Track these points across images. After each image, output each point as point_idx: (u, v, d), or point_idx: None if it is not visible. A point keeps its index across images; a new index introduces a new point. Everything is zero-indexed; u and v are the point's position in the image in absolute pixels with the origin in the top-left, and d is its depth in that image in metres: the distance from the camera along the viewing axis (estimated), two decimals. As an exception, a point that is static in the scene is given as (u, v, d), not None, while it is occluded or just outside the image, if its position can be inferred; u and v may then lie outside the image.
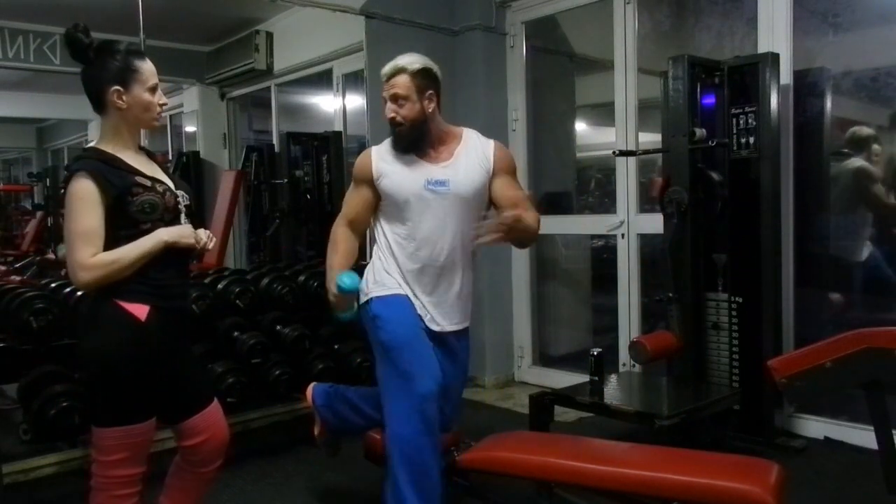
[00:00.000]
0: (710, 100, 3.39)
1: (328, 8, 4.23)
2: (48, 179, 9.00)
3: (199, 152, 6.69)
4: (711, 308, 3.40)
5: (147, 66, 1.91)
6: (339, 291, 2.24)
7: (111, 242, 1.81)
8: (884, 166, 3.59)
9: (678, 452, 1.97)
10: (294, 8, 4.61)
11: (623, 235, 4.14)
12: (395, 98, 2.32)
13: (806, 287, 3.56)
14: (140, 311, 1.83)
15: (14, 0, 4.97)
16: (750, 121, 3.28)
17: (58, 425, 2.73)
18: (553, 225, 4.78)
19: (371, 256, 2.52)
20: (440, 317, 2.39)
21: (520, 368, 4.76)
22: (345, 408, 2.59)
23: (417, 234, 2.34)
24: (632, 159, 4.04)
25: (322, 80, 5.64)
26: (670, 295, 3.32)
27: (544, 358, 4.81)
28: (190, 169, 6.45)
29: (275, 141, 6.10)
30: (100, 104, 1.88)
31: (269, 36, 5.78)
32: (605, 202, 4.79)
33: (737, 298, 3.33)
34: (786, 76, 3.42)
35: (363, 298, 2.38)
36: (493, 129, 4.62)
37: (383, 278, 2.38)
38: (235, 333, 3.32)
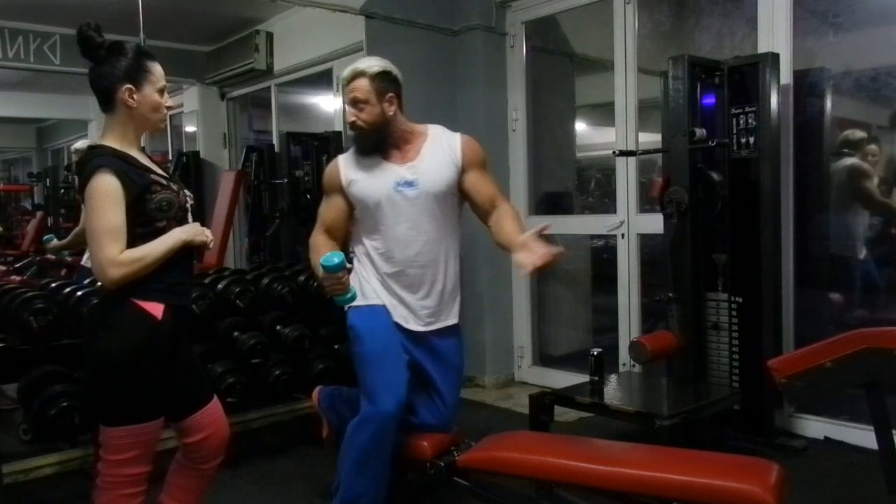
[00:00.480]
0: (710, 100, 3.38)
1: (328, 8, 4.23)
2: (48, 179, 9.01)
3: (199, 152, 6.70)
4: (711, 308, 3.40)
5: (158, 68, 1.93)
6: (325, 272, 2.18)
7: (129, 240, 1.83)
8: (883, 166, 3.59)
9: (678, 452, 1.97)
10: (294, 8, 4.61)
11: (623, 235, 4.14)
12: (355, 102, 2.33)
13: (806, 287, 3.56)
14: (156, 309, 1.85)
15: (14, 0, 4.97)
16: (750, 121, 3.28)
17: (58, 425, 2.73)
18: (553, 225, 4.78)
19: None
20: (422, 317, 2.39)
21: (520, 368, 4.76)
22: (346, 409, 2.59)
23: (392, 236, 2.34)
24: (632, 159, 4.04)
25: (322, 80, 5.64)
26: (670, 295, 3.32)
27: (544, 358, 4.81)
28: (190, 169, 6.45)
29: (275, 141, 6.10)
30: (108, 102, 1.89)
31: (269, 36, 5.78)
32: (605, 202, 4.79)
33: (737, 298, 3.33)
34: (786, 76, 3.42)
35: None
36: (493, 129, 4.63)
37: (362, 287, 2.38)
38: (235, 333, 3.32)
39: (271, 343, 3.38)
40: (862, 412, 2.67)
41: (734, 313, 3.33)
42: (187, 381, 2.01)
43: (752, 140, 3.28)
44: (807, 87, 3.56)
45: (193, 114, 6.76)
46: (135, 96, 1.88)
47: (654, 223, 3.73)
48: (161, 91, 1.93)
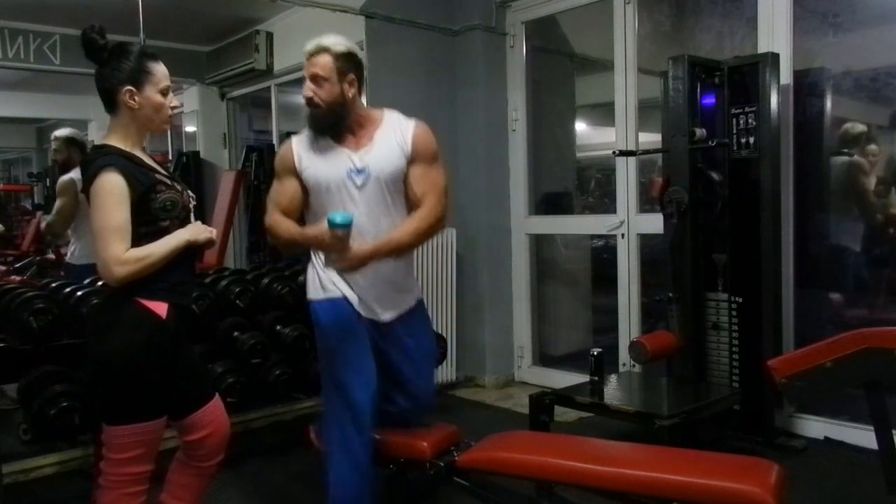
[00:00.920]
0: (710, 100, 3.39)
1: (328, 8, 4.23)
2: (48, 179, 8.99)
3: (199, 152, 6.69)
4: (711, 308, 3.40)
5: (160, 69, 1.94)
6: (334, 227, 2.06)
7: (133, 239, 1.83)
8: (883, 165, 3.58)
9: (678, 452, 1.97)
10: (294, 8, 4.61)
11: (623, 235, 4.14)
12: (315, 78, 2.27)
13: (806, 287, 3.56)
14: (160, 308, 1.86)
15: (14, 0, 4.97)
16: (750, 121, 3.28)
17: (58, 425, 2.73)
18: (553, 225, 4.79)
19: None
20: (380, 307, 2.37)
21: (520, 368, 4.76)
22: None
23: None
24: (632, 159, 4.04)
25: (322, 80, 5.63)
26: (670, 295, 3.32)
27: (544, 358, 4.81)
28: (190, 169, 6.45)
29: (275, 141, 6.09)
30: (111, 103, 1.91)
31: (269, 36, 5.78)
32: (605, 202, 4.79)
33: (737, 298, 3.33)
34: (786, 76, 3.42)
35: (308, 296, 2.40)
36: (493, 129, 4.64)
37: (321, 279, 2.37)
38: (235, 333, 3.32)
39: (271, 343, 3.38)
40: (862, 412, 2.67)
41: (734, 313, 3.33)
42: (189, 379, 2.02)
43: (752, 140, 3.28)
44: (807, 87, 3.56)
45: (193, 114, 6.75)
46: (136, 98, 1.89)
47: (654, 223, 3.73)
48: (164, 92, 1.94)
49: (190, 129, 7.00)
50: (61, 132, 4.03)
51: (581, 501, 2.18)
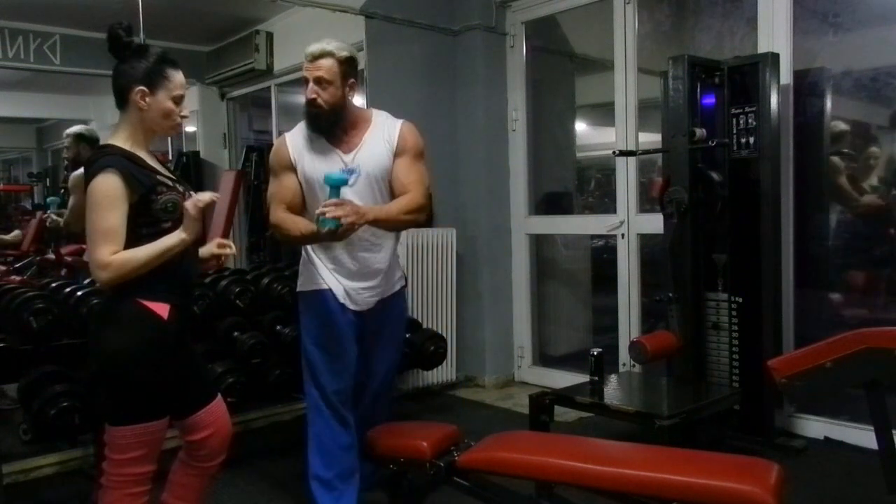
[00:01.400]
0: (710, 100, 3.39)
1: (328, 8, 4.23)
2: (48, 179, 9.00)
3: (199, 152, 6.69)
4: (711, 308, 3.40)
5: (178, 77, 1.94)
6: (330, 183, 2.14)
7: (133, 240, 1.83)
8: (884, 166, 3.58)
9: (678, 452, 1.97)
10: (294, 8, 4.61)
11: (623, 235, 4.14)
12: (319, 80, 2.35)
13: (806, 287, 3.56)
14: (162, 309, 1.86)
15: (14, 0, 4.97)
16: (750, 121, 3.28)
17: (58, 425, 2.73)
18: (553, 225, 4.79)
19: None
20: (361, 297, 2.48)
21: (520, 368, 4.76)
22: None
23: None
24: (632, 159, 4.04)
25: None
26: (670, 295, 3.32)
27: (544, 358, 4.82)
28: (190, 169, 6.45)
29: (275, 141, 6.09)
30: (122, 101, 1.92)
31: (269, 36, 5.78)
32: (605, 202, 4.79)
33: (737, 298, 3.33)
34: (786, 76, 3.42)
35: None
36: (493, 129, 4.64)
37: (308, 270, 2.50)
38: (235, 333, 3.32)
39: (271, 343, 3.38)
40: (862, 412, 2.67)
41: (734, 313, 3.33)
42: (191, 379, 2.02)
43: (752, 140, 3.28)
44: (807, 87, 3.56)
45: (193, 114, 6.75)
46: (147, 99, 1.89)
47: (654, 223, 3.73)
48: (176, 100, 1.94)
49: (190, 129, 6.99)
50: (71, 129, 4.06)
51: (581, 501, 2.18)
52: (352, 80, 2.41)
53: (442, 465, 2.14)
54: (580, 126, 5.35)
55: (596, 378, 3.18)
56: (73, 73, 5.81)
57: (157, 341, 1.86)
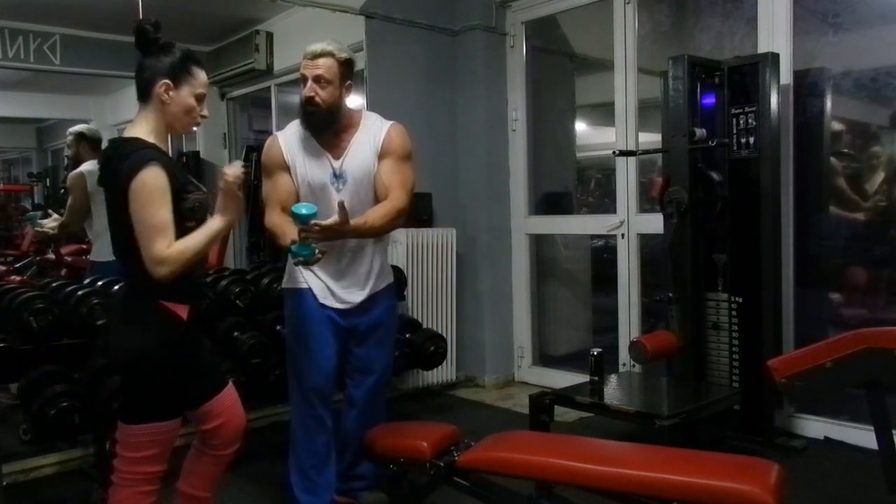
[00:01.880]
0: (710, 100, 3.39)
1: (328, 8, 4.23)
2: (48, 179, 8.99)
3: (199, 152, 6.69)
4: (711, 308, 3.40)
5: (202, 75, 1.95)
6: (299, 221, 2.09)
7: None
8: (885, 166, 3.58)
9: (678, 452, 1.97)
10: (294, 8, 4.61)
11: (623, 235, 4.14)
12: (319, 79, 2.35)
13: (806, 287, 3.56)
14: (182, 311, 1.89)
15: (14, 0, 4.97)
16: (750, 121, 3.28)
17: (58, 425, 2.73)
18: (553, 225, 4.79)
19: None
20: (346, 296, 2.49)
21: (520, 368, 4.76)
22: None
23: (322, 221, 2.33)
24: (632, 159, 4.04)
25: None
26: (670, 295, 3.32)
27: (544, 358, 4.81)
28: (190, 169, 6.44)
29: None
30: (145, 94, 1.91)
31: (269, 36, 5.78)
32: (605, 202, 4.80)
33: (737, 298, 3.33)
34: (786, 76, 3.42)
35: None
36: (493, 129, 4.64)
37: (292, 268, 2.51)
38: (235, 333, 3.32)
39: (271, 343, 3.38)
40: (862, 412, 2.67)
41: (734, 313, 3.33)
42: (202, 371, 2.04)
43: (752, 140, 3.28)
44: (807, 87, 3.56)
45: (193, 114, 6.75)
46: (171, 93, 1.89)
47: (654, 223, 3.73)
48: (199, 98, 1.94)
49: (190, 128, 6.99)
50: (73, 128, 4.07)
51: (581, 501, 2.18)
52: (349, 82, 2.43)
53: (442, 465, 2.14)
54: (580, 126, 5.35)
55: (596, 378, 3.18)
56: (73, 73, 5.80)
57: (178, 342, 1.89)
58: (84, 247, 4.41)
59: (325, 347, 2.50)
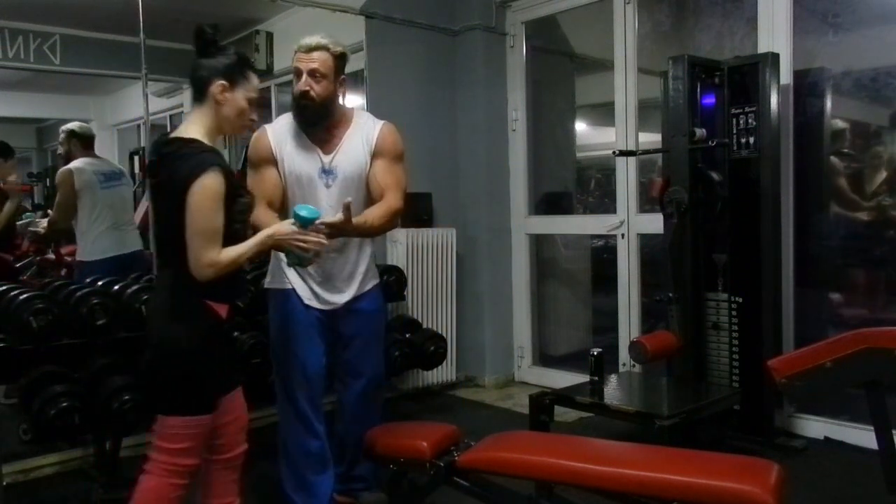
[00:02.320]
0: (710, 100, 3.38)
1: (328, 8, 4.23)
2: (48, 179, 8.98)
3: (199, 152, 6.69)
4: (711, 308, 3.40)
5: (255, 79, 2.01)
6: (300, 221, 2.01)
7: None
8: (885, 166, 3.58)
9: (678, 452, 1.97)
10: (294, 8, 4.61)
11: (623, 235, 4.14)
12: (314, 73, 2.34)
13: (806, 287, 3.56)
14: (223, 310, 1.97)
15: (14, 0, 4.97)
16: (750, 121, 3.28)
17: (58, 425, 2.73)
18: (553, 225, 4.79)
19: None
20: (330, 297, 2.47)
21: (520, 368, 4.76)
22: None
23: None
24: (632, 159, 4.04)
25: (322, 80, 5.63)
26: (670, 295, 3.32)
27: (544, 358, 4.81)
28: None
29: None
30: (200, 94, 1.96)
31: (269, 36, 5.77)
32: (605, 202, 4.80)
33: (737, 298, 3.33)
34: (786, 76, 3.42)
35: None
36: (493, 129, 4.64)
37: (276, 268, 2.49)
38: (235, 333, 3.32)
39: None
40: (862, 412, 2.67)
41: (734, 313, 3.33)
42: (230, 365, 2.12)
43: (752, 140, 3.28)
44: (807, 87, 3.56)
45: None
46: (226, 94, 1.94)
47: (654, 223, 3.73)
48: (250, 101, 1.99)
49: (190, 128, 6.99)
50: (65, 126, 4.08)
51: (581, 501, 2.18)
52: (342, 76, 2.41)
53: (442, 465, 2.14)
54: (580, 126, 5.35)
55: (596, 378, 3.18)
56: (73, 73, 5.80)
57: (217, 340, 1.96)
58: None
59: (312, 349, 2.47)
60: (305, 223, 2.02)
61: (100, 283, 3.18)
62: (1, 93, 8.32)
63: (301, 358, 2.46)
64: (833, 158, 3.63)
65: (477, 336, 4.62)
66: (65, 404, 2.73)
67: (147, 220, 4.31)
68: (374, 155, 2.46)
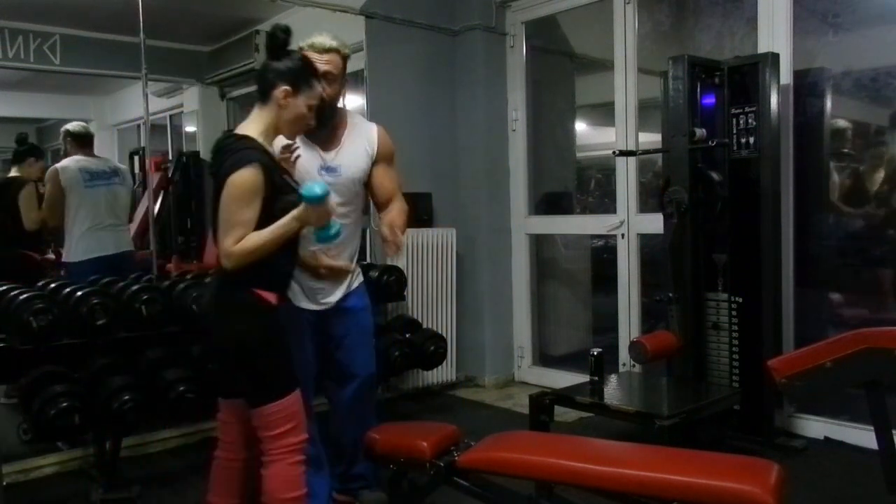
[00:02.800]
0: (710, 100, 3.38)
1: (328, 8, 4.23)
2: (48, 179, 8.98)
3: (199, 152, 6.68)
4: (711, 308, 3.40)
5: (318, 87, 2.10)
6: (315, 202, 1.93)
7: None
8: (886, 166, 3.59)
9: (678, 452, 1.97)
10: (294, 8, 4.61)
11: (623, 235, 4.14)
12: (326, 75, 2.36)
13: (806, 287, 3.56)
14: (272, 297, 2.02)
15: (14, 0, 4.97)
16: (750, 121, 3.28)
17: (58, 425, 2.73)
18: (553, 225, 4.79)
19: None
20: (324, 296, 2.49)
21: (520, 368, 4.76)
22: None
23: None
24: (632, 159, 4.04)
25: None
26: (670, 295, 3.32)
27: (544, 358, 4.81)
28: (190, 169, 6.44)
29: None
30: (265, 95, 2.03)
31: (270, 36, 5.78)
32: (605, 202, 4.80)
33: (737, 298, 3.33)
34: (786, 76, 3.42)
35: None
36: (493, 129, 4.64)
37: None
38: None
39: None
40: (862, 412, 2.67)
41: (734, 313, 3.33)
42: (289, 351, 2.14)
43: (752, 140, 3.28)
44: (807, 87, 3.56)
45: (193, 114, 6.74)
46: (289, 98, 2.01)
47: (654, 223, 3.73)
48: (310, 108, 2.06)
49: (190, 129, 6.99)
50: (72, 126, 4.12)
51: (581, 501, 2.18)
52: (345, 77, 2.47)
53: (442, 465, 2.14)
54: (580, 126, 5.35)
55: (596, 378, 3.18)
56: (73, 73, 5.80)
57: (272, 324, 2.02)
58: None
59: (304, 352, 2.46)
60: (319, 200, 1.95)
61: (100, 283, 3.18)
62: (1, 93, 8.32)
63: (296, 360, 2.46)
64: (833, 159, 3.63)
65: (477, 336, 4.62)
66: (65, 404, 2.74)
67: (146, 221, 4.32)
68: (377, 159, 2.51)
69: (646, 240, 4.08)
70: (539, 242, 4.83)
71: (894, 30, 3.42)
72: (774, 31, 3.48)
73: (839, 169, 3.65)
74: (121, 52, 5.08)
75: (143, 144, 5.85)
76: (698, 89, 3.35)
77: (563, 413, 3.21)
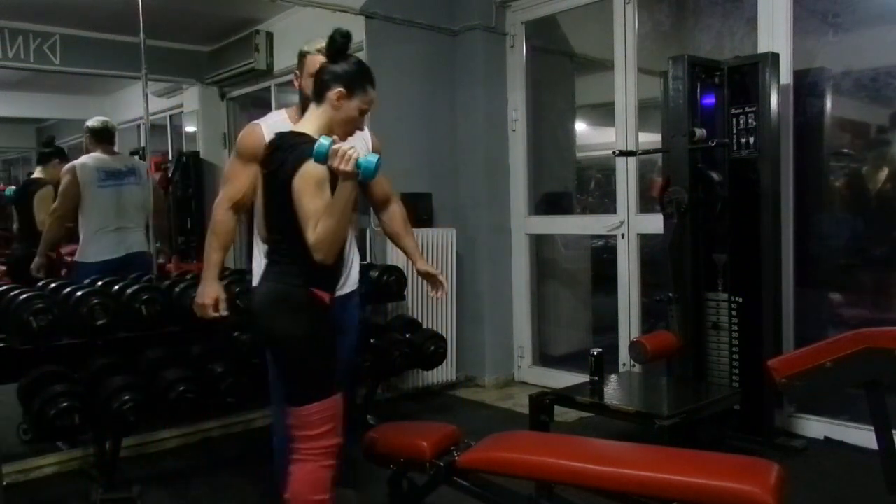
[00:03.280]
0: (710, 100, 3.38)
1: (328, 8, 4.23)
2: (48, 179, 8.98)
3: (199, 152, 6.69)
4: (711, 308, 3.40)
5: (372, 93, 2.11)
6: (322, 154, 1.94)
7: None
8: (886, 165, 3.58)
9: (678, 452, 1.97)
10: (294, 8, 4.62)
11: (623, 235, 4.14)
12: None
13: (806, 287, 3.56)
14: (326, 297, 2.06)
15: (14, 0, 4.97)
16: (750, 121, 3.28)
17: (58, 425, 2.73)
18: (553, 225, 4.79)
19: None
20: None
21: (520, 368, 4.77)
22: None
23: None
24: (632, 159, 4.04)
25: (322, 80, 5.63)
26: (670, 295, 3.32)
27: (544, 358, 4.81)
28: (190, 169, 6.45)
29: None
30: (320, 96, 2.07)
31: (269, 36, 5.78)
32: (605, 202, 4.80)
33: (737, 298, 3.33)
34: (786, 76, 3.42)
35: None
36: (493, 129, 4.64)
37: (259, 269, 2.42)
38: (235, 333, 3.32)
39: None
40: (862, 412, 2.67)
41: (734, 313, 3.33)
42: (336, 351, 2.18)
43: (752, 140, 3.28)
44: (807, 87, 3.56)
45: (193, 114, 6.75)
46: (342, 101, 2.04)
47: (654, 223, 3.73)
48: (362, 112, 2.10)
49: (190, 129, 6.99)
50: (93, 122, 4.13)
51: (581, 501, 2.18)
52: None
53: (442, 465, 2.14)
54: (580, 126, 5.35)
55: (596, 378, 3.18)
56: (73, 73, 5.80)
57: (327, 325, 2.06)
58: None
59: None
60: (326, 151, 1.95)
61: (100, 283, 3.18)
62: (1, 93, 8.32)
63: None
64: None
65: (477, 336, 4.62)
66: (65, 404, 2.74)
67: (159, 220, 4.30)
68: None
69: (646, 240, 4.08)
70: (539, 242, 4.83)
71: (894, 30, 3.42)
72: (774, 31, 3.48)
73: (839, 169, 3.65)
74: (121, 52, 5.08)
75: (143, 144, 5.85)
76: (698, 89, 3.35)
77: (563, 413, 3.21)
